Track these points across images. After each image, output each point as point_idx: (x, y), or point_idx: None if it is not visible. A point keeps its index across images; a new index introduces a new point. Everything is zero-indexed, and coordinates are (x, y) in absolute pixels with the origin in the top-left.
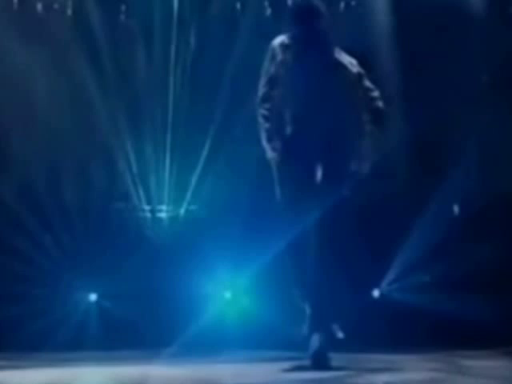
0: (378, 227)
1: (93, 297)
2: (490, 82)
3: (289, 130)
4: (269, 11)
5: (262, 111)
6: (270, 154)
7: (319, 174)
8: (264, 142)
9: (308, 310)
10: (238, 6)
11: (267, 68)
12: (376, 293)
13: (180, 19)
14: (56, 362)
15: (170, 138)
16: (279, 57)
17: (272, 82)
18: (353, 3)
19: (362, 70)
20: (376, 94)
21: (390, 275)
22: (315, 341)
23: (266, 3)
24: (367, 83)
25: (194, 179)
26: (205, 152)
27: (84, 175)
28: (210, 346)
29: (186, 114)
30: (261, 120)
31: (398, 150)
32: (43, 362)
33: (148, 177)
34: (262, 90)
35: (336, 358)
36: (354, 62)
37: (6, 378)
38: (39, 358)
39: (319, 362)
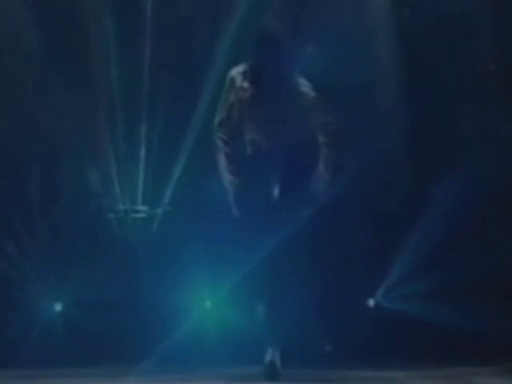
0: (373, 236)
1: (58, 307)
2: (493, 78)
3: (248, 152)
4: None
5: (221, 135)
6: (228, 176)
7: (276, 192)
8: (221, 166)
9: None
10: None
11: (225, 95)
12: (371, 302)
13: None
14: (19, 380)
15: (147, 137)
16: (237, 84)
17: (230, 108)
18: None
19: (317, 95)
20: (331, 118)
21: (386, 284)
22: (269, 354)
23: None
24: (323, 107)
25: (171, 179)
26: (183, 152)
27: (54, 174)
28: (186, 361)
29: (164, 114)
30: (220, 143)
31: (395, 156)
32: (4, 380)
33: (123, 176)
34: (219, 115)
35: (327, 375)
36: (310, 86)
37: None
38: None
39: (271, 376)
